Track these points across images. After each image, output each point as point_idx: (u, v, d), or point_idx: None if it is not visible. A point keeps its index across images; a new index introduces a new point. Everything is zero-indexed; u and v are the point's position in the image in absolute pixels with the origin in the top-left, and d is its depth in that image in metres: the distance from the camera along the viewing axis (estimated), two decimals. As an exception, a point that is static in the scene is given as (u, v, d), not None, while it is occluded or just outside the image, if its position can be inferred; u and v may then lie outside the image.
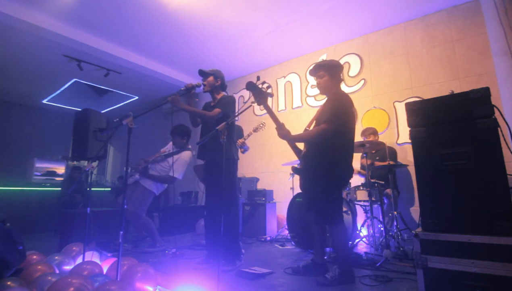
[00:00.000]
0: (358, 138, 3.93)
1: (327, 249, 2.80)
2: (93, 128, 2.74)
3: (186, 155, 3.39)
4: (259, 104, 2.12)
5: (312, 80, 4.81)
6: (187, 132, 3.47)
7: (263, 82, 2.15)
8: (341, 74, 2.28)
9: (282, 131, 2.10)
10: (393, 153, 3.51)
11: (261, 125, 3.64)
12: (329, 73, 2.21)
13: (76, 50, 4.49)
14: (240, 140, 3.47)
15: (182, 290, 1.70)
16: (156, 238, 3.19)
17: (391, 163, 2.99)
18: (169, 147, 3.54)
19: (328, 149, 2.05)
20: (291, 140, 2.16)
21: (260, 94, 2.09)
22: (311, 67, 2.34)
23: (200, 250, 3.09)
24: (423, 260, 1.49)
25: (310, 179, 2.16)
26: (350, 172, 2.14)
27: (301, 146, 2.33)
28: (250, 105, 2.19)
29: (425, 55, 3.84)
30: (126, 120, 1.89)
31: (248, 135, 3.61)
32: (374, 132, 3.62)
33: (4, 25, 3.82)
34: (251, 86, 2.09)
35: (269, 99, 5.15)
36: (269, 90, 2.19)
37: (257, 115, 5.39)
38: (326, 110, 2.14)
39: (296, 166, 2.28)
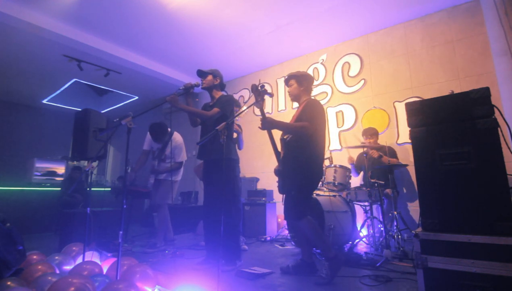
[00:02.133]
0: (360, 138, 3.94)
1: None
2: (93, 128, 2.74)
3: (177, 138, 3.51)
4: (257, 107, 2.21)
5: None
6: (165, 127, 3.47)
7: (261, 86, 2.23)
8: (310, 84, 2.42)
9: (266, 119, 2.16)
10: (393, 153, 3.52)
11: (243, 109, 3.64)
12: (297, 81, 2.39)
13: (76, 50, 4.49)
14: (234, 134, 3.48)
15: (182, 290, 1.70)
16: (160, 237, 3.25)
17: (391, 159, 2.99)
18: (148, 141, 3.57)
19: (303, 150, 2.15)
20: (275, 126, 2.21)
21: (259, 98, 2.19)
22: (286, 76, 2.50)
23: (200, 250, 3.09)
24: (423, 260, 1.49)
25: (288, 179, 2.22)
26: (321, 172, 2.28)
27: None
28: (251, 105, 2.23)
29: (425, 55, 3.84)
30: (125, 120, 1.89)
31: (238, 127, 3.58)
32: (376, 133, 3.62)
33: (4, 25, 3.82)
34: (255, 89, 2.19)
35: (269, 99, 5.21)
36: (268, 90, 2.23)
37: (256, 115, 5.39)
38: (303, 114, 2.23)
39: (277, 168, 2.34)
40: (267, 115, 2.20)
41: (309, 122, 2.15)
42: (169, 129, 3.56)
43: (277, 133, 2.23)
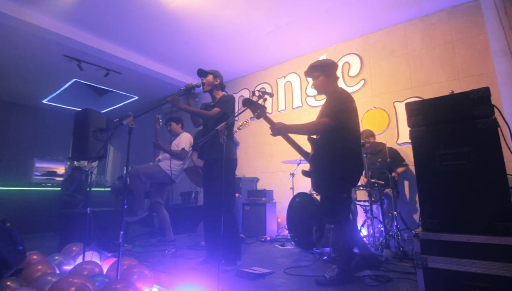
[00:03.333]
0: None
1: (327, 249, 2.80)
2: (93, 128, 2.75)
3: (185, 134, 3.69)
4: (258, 118, 2.14)
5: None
6: (180, 118, 3.82)
7: (259, 96, 2.17)
8: (336, 72, 2.26)
9: (275, 126, 2.08)
10: (395, 153, 3.52)
11: (245, 122, 3.68)
12: (323, 73, 2.21)
13: (76, 50, 4.49)
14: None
15: (182, 290, 1.70)
16: (139, 204, 3.27)
17: (398, 170, 2.99)
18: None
19: (334, 148, 2.04)
20: (288, 131, 2.12)
21: (257, 108, 2.12)
22: (305, 69, 2.33)
23: (200, 250, 3.09)
24: (423, 260, 1.49)
25: (321, 179, 2.14)
26: (358, 170, 2.10)
27: (307, 148, 2.31)
28: (245, 109, 2.18)
29: (425, 55, 3.84)
30: (127, 120, 1.89)
31: (234, 133, 3.63)
32: (372, 134, 3.63)
33: (4, 25, 3.81)
34: (247, 103, 2.12)
35: (269, 99, 5.21)
36: (266, 94, 2.21)
37: (257, 115, 5.38)
38: (326, 107, 2.13)
39: (306, 169, 2.26)
40: (268, 115, 2.16)
41: (329, 116, 2.02)
42: (181, 127, 3.80)
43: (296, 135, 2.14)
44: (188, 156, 3.63)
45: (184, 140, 3.59)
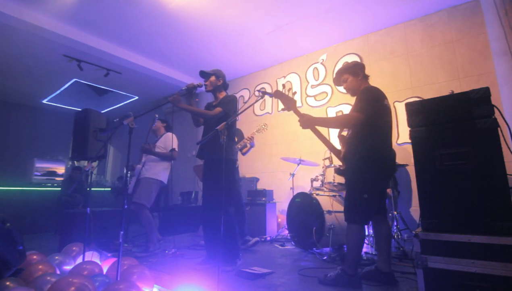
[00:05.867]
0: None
1: (327, 249, 2.80)
2: (93, 128, 2.75)
3: (171, 135, 3.39)
4: (288, 110, 2.15)
5: (312, 80, 4.82)
6: (166, 119, 3.60)
7: (289, 89, 2.19)
8: (364, 71, 2.23)
9: (303, 118, 2.07)
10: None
11: (263, 126, 3.63)
12: (351, 74, 2.21)
13: (76, 50, 4.49)
14: (247, 136, 3.46)
15: (182, 290, 1.70)
16: (152, 239, 3.00)
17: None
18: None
19: (362, 145, 1.99)
20: (315, 123, 2.09)
21: (288, 101, 2.14)
22: (334, 76, 2.32)
23: (200, 250, 3.09)
24: (423, 260, 1.49)
25: (349, 179, 2.11)
26: (386, 169, 2.05)
27: (337, 145, 2.27)
28: (257, 100, 2.19)
29: (425, 55, 3.84)
30: (127, 120, 1.89)
31: (252, 137, 3.59)
32: None
33: (4, 25, 3.82)
34: (279, 94, 2.15)
35: (269, 99, 5.21)
36: (266, 94, 2.22)
37: (257, 115, 5.38)
38: (357, 103, 2.07)
39: (339, 167, 2.22)
40: (267, 115, 2.17)
41: (360, 111, 1.98)
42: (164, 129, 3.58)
43: (293, 128, 2.13)
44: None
45: (175, 141, 3.32)
